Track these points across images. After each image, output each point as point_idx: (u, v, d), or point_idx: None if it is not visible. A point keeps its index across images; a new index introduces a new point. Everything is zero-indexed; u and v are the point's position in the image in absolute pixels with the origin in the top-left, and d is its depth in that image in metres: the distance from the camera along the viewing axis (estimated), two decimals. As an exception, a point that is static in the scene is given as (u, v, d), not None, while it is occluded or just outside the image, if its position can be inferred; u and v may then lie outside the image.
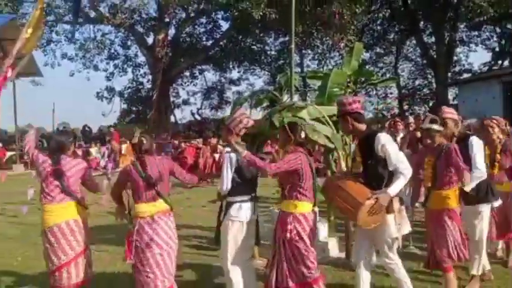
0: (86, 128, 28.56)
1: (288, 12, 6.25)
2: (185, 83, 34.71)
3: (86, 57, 29.25)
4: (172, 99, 32.66)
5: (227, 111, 31.87)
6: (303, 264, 3.99)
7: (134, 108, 32.35)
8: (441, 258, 4.38)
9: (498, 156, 5.15)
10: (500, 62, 30.63)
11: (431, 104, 31.99)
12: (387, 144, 3.94)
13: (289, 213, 4.03)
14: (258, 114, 7.08)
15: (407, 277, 4.11)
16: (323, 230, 6.01)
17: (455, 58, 31.88)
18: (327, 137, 5.37)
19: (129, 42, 30.90)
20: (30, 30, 4.82)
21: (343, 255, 5.83)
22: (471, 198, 4.60)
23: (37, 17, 4.85)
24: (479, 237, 4.70)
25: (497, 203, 4.83)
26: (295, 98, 6.55)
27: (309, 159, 4.15)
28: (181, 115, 34.85)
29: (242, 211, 4.24)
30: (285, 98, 6.53)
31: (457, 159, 4.30)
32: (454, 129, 4.72)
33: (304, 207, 4.04)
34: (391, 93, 35.55)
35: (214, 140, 19.53)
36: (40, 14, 4.92)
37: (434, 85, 30.54)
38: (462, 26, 30.09)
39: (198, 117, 33.71)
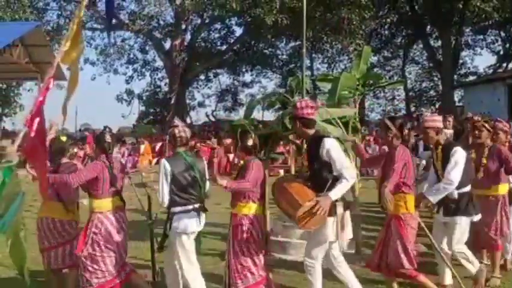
0: (107, 129, 29.45)
1: (299, 18, 6.54)
2: (200, 86, 35.66)
3: (107, 61, 30.59)
4: (188, 101, 33.49)
5: (240, 112, 32.76)
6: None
7: (152, 110, 33.24)
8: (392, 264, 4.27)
9: (484, 160, 5.00)
10: (504, 64, 30.84)
11: (437, 106, 32.36)
12: (332, 149, 3.95)
13: (240, 215, 4.25)
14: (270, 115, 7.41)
15: (320, 282, 4.11)
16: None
17: (460, 61, 32.26)
18: (338, 138, 5.37)
19: (147, 48, 31.86)
20: (68, 43, 4.79)
21: (353, 250, 5.85)
22: (450, 209, 4.46)
23: (75, 31, 4.86)
24: (448, 249, 4.53)
25: (477, 217, 4.56)
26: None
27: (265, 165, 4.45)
28: (197, 117, 35.61)
29: (184, 222, 4.14)
30: (296, 100, 6.45)
31: (394, 165, 4.14)
32: (437, 137, 4.51)
33: (251, 209, 4.25)
34: (398, 95, 36.18)
35: (228, 141, 20.10)
36: (78, 29, 4.93)
37: (440, 87, 30.79)
38: (467, 30, 30.47)
39: (213, 119, 34.45)
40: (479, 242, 5.07)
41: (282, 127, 5.65)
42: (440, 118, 4.73)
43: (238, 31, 30.78)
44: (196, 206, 4.20)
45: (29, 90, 28.48)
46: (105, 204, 4.33)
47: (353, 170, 4.08)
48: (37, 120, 3.89)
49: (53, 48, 22.31)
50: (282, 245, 6.00)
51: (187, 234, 4.17)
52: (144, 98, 33.28)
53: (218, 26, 31.14)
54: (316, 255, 4.10)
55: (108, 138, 4.45)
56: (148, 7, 26.68)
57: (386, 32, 31.96)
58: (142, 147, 19.87)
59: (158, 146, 20.47)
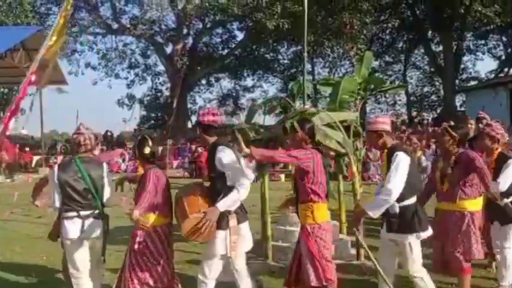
0: (108, 133, 29.68)
1: (300, 23, 6.54)
2: (202, 90, 35.85)
3: (108, 66, 30.67)
4: (189, 105, 33.64)
5: (241, 117, 32.77)
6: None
7: (153, 115, 33.40)
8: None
9: (449, 169, 4.30)
10: (506, 69, 30.91)
11: (438, 111, 32.49)
12: (224, 158, 3.74)
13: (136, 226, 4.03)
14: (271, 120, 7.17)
15: None
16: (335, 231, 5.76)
17: (462, 66, 32.42)
18: (339, 142, 5.33)
19: (149, 52, 31.98)
20: (54, 38, 4.77)
21: (353, 260, 5.73)
22: (393, 225, 3.90)
23: (61, 25, 4.80)
24: (411, 269, 3.95)
25: (426, 234, 3.94)
26: (307, 104, 6.52)
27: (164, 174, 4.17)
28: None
29: (65, 228, 4.04)
30: (297, 104, 6.53)
31: (301, 174, 3.83)
32: (382, 140, 4.03)
33: (153, 219, 4.01)
34: (400, 100, 36.21)
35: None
36: (64, 22, 4.85)
37: (442, 92, 30.88)
38: (469, 35, 30.58)
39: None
40: (441, 262, 4.40)
41: (283, 131, 5.54)
42: (387, 120, 4.17)
43: (240, 36, 31.04)
44: (84, 213, 4.04)
45: (30, 95, 28.50)
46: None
47: (246, 180, 3.71)
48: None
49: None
50: (283, 250, 5.97)
51: (69, 240, 4.05)
52: (145, 102, 33.49)
53: (220, 30, 31.30)
54: (207, 271, 3.90)
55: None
56: (150, 12, 26.90)
57: (388, 37, 32.13)
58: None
59: (159, 150, 20.50)
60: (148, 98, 33.68)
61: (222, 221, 3.75)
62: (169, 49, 29.53)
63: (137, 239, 4.00)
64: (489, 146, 4.64)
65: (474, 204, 4.32)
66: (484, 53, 32.72)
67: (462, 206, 4.28)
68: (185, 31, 29.03)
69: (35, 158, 22.92)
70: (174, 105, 28.23)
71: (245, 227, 3.96)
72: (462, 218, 4.26)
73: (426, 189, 4.59)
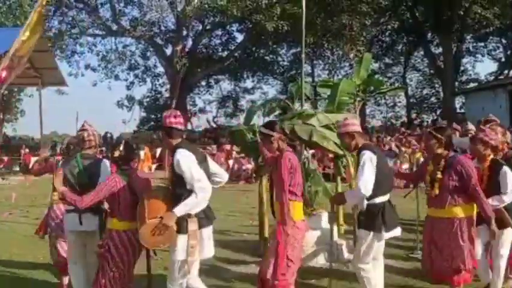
0: (108, 135, 29.59)
1: (299, 24, 6.60)
2: (201, 92, 35.76)
3: (108, 67, 30.52)
4: (189, 107, 33.55)
5: (241, 119, 32.80)
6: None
7: (152, 116, 33.35)
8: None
9: (439, 174, 4.15)
10: (506, 71, 31.00)
11: (438, 113, 32.53)
12: (181, 161, 3.64)
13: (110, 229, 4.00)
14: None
15: None
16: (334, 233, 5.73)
17: (462, 68, 32.44)
18: (336, 144, 5.35)
19: (148, 54, 31.92)
20: (27, 33, 4.70)
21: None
22: (360, 221, 4.04)
23: (35, 20, 4.75)
24: (352, 263, 4.05)
25: (390, 235, 4.00)
26: (306, 106, 6.62)
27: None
28: (198, 123, 35.71)
29: (69, 221, 4.32)
30: (297, 106, 6.59)
31: (281, 172, 3.89)
32: (354, 142, 4.09)
33: (114, 224, 3.98)
34: (399, 102, 36.23)
35: (228, 147, 20.15)
36: (38, 17, 4.79)
37: (442, 94, 30.92)
38: (469, 37, 30.61)
39: (214, 125, 34.63)
40: (431, 271, 4.32)
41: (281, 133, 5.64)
42: (356, 121, 4.20)
43: (239, 37, 31.01)
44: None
45: (30, 96, 28.54)
46: None
47: (204, 184, 3.64)
48: None
49: (54, 54, 22.36)
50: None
51: (68, 232, 4.37)
52: (145, 103, 33.45)
53: (219, 32, 31.30)
54: (173, 277, 3.79)
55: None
56: (150, 13, 26.92)
57: (387, 39, 32.18)
58: (142, 153, 19.88)
59: (158, 152, 20.47)
60: (148, 99, 33.68)
61: (181, 225, 3.66)
62: (168, 51, 29.53)
63: (102, 242, 4.03)
64: (481, 151, 4.42)
65: (466, 210, 4.13)
66: (483, 55, 32.82)
67: (452, 212, 4.12)
68: (184, 33, 28.96)
69: (33, 159, 22.94)
70: (173, 106, 28.19)
71: (207, 232, 3.83)
72: (451, 225, 4.11)
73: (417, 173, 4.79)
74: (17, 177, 18.86)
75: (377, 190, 3.88)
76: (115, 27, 28.64)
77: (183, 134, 3.99)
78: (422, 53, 32.51)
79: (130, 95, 32.74)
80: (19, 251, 6.84)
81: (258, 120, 7.45)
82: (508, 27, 26.69)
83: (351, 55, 24.23)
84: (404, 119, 33.91)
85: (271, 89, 42.12)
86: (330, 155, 5.84)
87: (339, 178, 6.46)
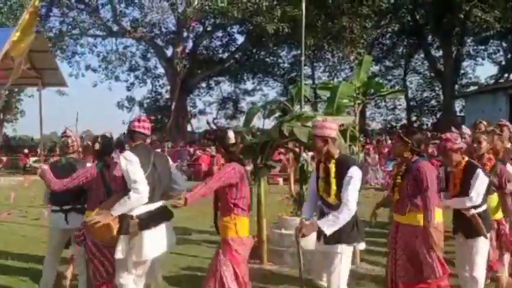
0: (108, 135, 29.55)
1: (300, 27, 6.59)
2: (201, 93, 35.93)
3: (109, 68, 30.58)
4: (189, 108, 33.64)
5: (241, 120, 32.79)
6: None
7: (152, 118, 33.40)
8: None
9: (399, 178, 4.01)
10: (506, 75, 30.87)
11: (438, 116, 32.55)
12: (123, 162, 3.74)
13: None
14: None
15: None
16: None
17: (462, 71, 32.41)
18: None
19: (149, 55, 32.02)
20: (18, 34, 4.60)
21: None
22: (330, 237, 3.63)
23: (27, 21, 4.65)
24: (333, 284, 3.68)
25: (361, 246, 3.88)
26: (306, 108, 6.62)
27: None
28: (198, 124, 35.74)
29: (55, 219, 4.66)
30: (296, 108, 6.54)
31: (226, 188, 3.77)
32: (326, 148, 3.78)
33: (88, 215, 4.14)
34: (399, 105, 36.25)
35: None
36: (30, 18, 4.69)
37: (442, 97, 30.91)
38: (469, 40, 30.60)
39: (214, 126, 34.60)
40: (401, 281, 4.06)
41: (280, 134, 5.59)
42: (334, 126, 3.81)
43: (240, 39, 31.15)
44: (67, 207, 4.60)
45: (30, 96, 28.54)
46: None
47: (141, 186, 3.66)
48: None
49: (55, 54, 22.34)
50: (278, 253, 5.98)
51: (54, 229, 4.71)
52: (145, 105, 33.46)
53: (220, 34, 31.41)
54: (117, 275, 3.88)
55: None
56: (151, 14, 27.07)
57: (388, 42, 32.22)
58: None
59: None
60: (148, 100, 33.74)
61: (122, 226, 3.72)
62: (169, 52, 29.60)
63: (78, 232, 4.28)
64: (457, 159, 4.19)
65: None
66: (483, 58, 32.76)
67: (413, 219, 3.88)
68: (185, 34, 29.02)
69: (32, 159, 22.98)
70: (173, 107, 28.24)
71: (148, 235, 3.75)
72: (412, 232, 3.86)
73: None
74: (16, 177, 18.89)
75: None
76: (115, 28, 28.71)
77: (146, 137, 4.03)
78: (422, 55, 32.56)
79: (130, 96, 32.88)
80: (18, 251, 6.85)
81: (258, 122, 7.50)
82: (509, 30, 26.67)
83: (352, 57, 24.25)
84: (404, 121, 33.92)
85: (271, 90, 42.34)
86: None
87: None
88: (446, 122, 23.90)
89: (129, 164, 3.70)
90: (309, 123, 5.46)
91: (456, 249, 4.35)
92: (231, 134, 3.95)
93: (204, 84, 34.66)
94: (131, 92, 32.82)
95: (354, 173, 3.59)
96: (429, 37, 30.01)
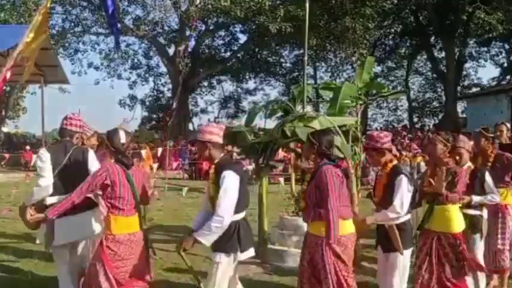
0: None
1: (302, 26, 6.56)
2: (203, 92, 35.91)
3: (111, 66, 30.71)
4: (190, 107, 33.66)
5: (243, 119, 32.76)
6: None
7: (154, 116, 33.41)
8: None
9: (305, 185, 3.75)
10: (508, 77, 31.02)
11: (440, 117, 32.52)
12: (37, 157, 4.15)
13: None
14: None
15: None
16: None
17: (464, 73, 32.49)
18: (337, 147, 5.21)
19: (151, 53, 32.08)
20: (32, 35, 4.67)
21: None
22: (212, 245, 3.58)
23: (40, 22, 4.71)
24: None
25: (245, 255, 3.66)
26: (308, 108, 6.58)
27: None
28: (199, 123, 35.75)
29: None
30: (298, 108, 6.53)
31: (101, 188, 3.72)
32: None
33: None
34: (401, 106, 36.27)
35: (229, 147, 20.13)
36: (43, 19, 4.75)
37: (444, 98, 30.94)
38: (471, 41, 30.63)
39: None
40: None
41: (282, 135, 5.60)
42: (216, 130, 3.65)
43: (242, 38, 31.45)
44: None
45: (32, 94, 28.62)
46: None
47: (42, 180, 3.99)
48: None
49: (57, 52, 22.38)
50: (279, 253, 5.99)
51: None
52: (147, 103, 33.50)
53: (222, 33, 31.33)
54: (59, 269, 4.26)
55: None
56: (153, 13, 26.85)
57: (390, 42, 32.27)
58: (143, 152, 19.91)
59: (159, 151, 20.52)
60: (150, 98, 33.80)
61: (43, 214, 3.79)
62: (171, 50, 29.60)
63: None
64: (380, 160, 3.93)
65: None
66: (486, 60, 32.93)
67: (316, 228, 3.55)
68: (187, 33, 28.84)
69: (35, 156, 22.98)
70: (174, 106, 28.25)
71: (59, 222, 3.94)
72: (316, 243, 3.53)
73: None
74: (18, 174, 18.90)
75: (235, 208, 3.50)
76: (118, 26, 28.60)
77: (74, 134, 4.27)
78: (424, 57, 32.60)
79: (132, 94, 32.96)
80: (19, 247, 6.88)
81: (260, 121, 7.49)
82: (511, 32, 26.58)
83: (354, 58, 24.20)
84: (406, 122, 33.91)
85: (273, 90, 42.29)
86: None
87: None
88: (448, 124, 23.93)
89: (39, 160, 4.07)
90: (312, 124, 5.45)
91: (378, 265, 4.11)
92: (122, 134, 3.77)
93: (205, 83, 34.68)
94: (133, 90, 33.04)
95: (227, 178, 3.42)
96: (432, 38, 30.07)
